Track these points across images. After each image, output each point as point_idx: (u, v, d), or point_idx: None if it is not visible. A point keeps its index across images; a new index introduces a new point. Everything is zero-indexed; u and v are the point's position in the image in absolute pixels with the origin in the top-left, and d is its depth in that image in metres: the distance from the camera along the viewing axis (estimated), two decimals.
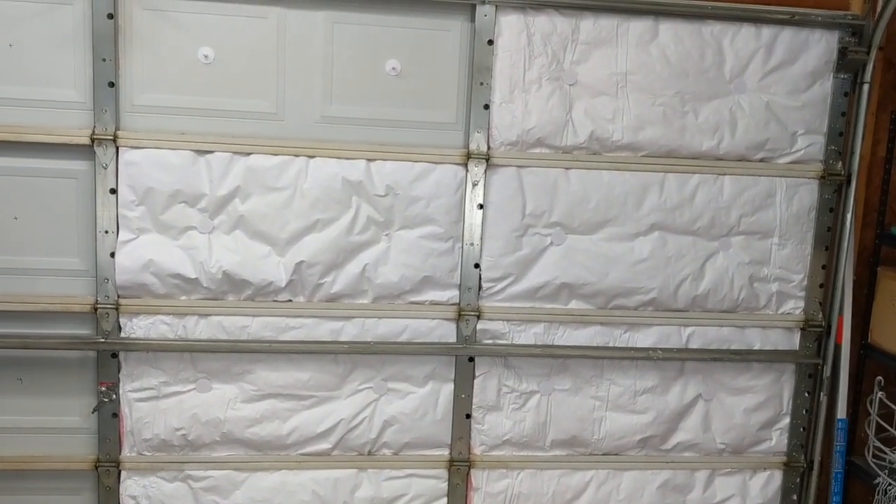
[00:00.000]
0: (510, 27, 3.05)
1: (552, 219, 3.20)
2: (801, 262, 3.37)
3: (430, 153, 3.10)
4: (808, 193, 3.32)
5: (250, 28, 2.96)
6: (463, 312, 3.20)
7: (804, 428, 3.48)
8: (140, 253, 3.01)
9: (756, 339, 3.40)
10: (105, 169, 2.95)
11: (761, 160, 3.28)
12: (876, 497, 3.33)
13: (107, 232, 2.99)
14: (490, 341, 3.25)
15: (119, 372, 3.09)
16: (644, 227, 3.25)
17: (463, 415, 3.28)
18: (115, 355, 3.07)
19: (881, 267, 3.47)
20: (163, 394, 3.13)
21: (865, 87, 3.22)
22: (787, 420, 3.48)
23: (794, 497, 3.54)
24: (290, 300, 3.13)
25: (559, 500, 3.41)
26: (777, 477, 3.53)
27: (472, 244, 3.17)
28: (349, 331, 3.17)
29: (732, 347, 3.37)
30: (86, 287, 3.04)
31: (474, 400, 3.28)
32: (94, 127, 2.92)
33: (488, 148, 3.11)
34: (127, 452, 3.16)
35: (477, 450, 3.34)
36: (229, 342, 3.10)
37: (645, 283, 3.28)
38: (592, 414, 3.36)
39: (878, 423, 3.37)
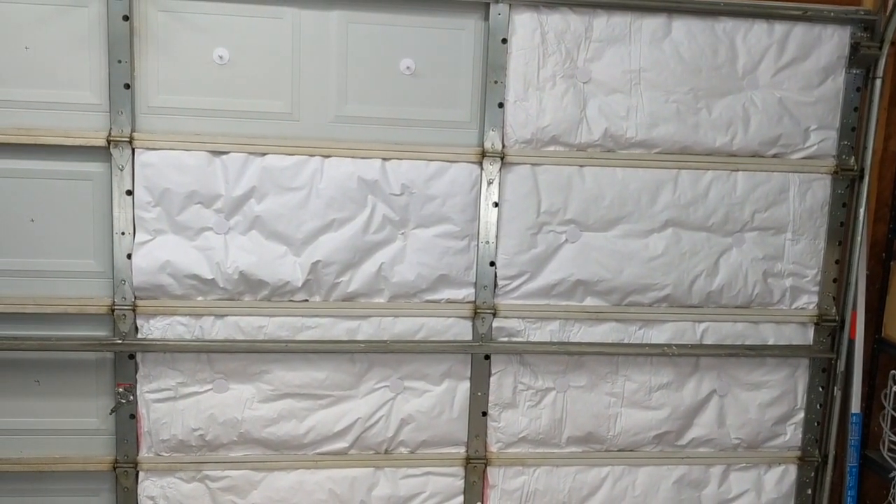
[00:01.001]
0: (524, 25, 3.06)
1: (567, 216, 3.20)
2: (815, 257, 3.37)
3: (445, 152, 3.10)
4: (821, 189, 3.33)
5: (265, 28, 2.96)
6: (479, 310, 3.20)
7: (818, 422, 3.49)
8: (157, 254, 3.01)
9: (770, 335, 3.40)
10: (121, 170, 2.95)
11: (774, 156, 3.28)
12: (892, 491, 3.34)
13: (123, 233, 2.99)
14: (506, 339, 3.26)
15: (136, 373, 3.10)
16: (658, 224, 3.26)
17: (479, 412, 3.29)
18: (132, 356, 3.08)
19: (894, 262, 3.47)
20: (180, 394, 3.13)
21: (878, 83, 3.22)
22: (801, 415, 3.49)
23: (809, 491, 3.55)
24: (307, 300, 3.13)
25: (575, 497, 3.41)
26: (792, 471, 3.54)
27: (487, 242, 3.17)
28: (365, 330, 3.18)
29: (747, 343, 3.38)
30: (103, 289, 3.04)
31: (490, 397, 3.29)
32: (110, 129, 2.93)
33: (503, 146, 3.12)
34: (145, 453, 3.17)
35: (493, 447, 3.34)
36: (246, 342, 3.11)
37: (659, 280, 3.28)
38: (608, 410, 3.37)
39: (892, 416, 3.38)
